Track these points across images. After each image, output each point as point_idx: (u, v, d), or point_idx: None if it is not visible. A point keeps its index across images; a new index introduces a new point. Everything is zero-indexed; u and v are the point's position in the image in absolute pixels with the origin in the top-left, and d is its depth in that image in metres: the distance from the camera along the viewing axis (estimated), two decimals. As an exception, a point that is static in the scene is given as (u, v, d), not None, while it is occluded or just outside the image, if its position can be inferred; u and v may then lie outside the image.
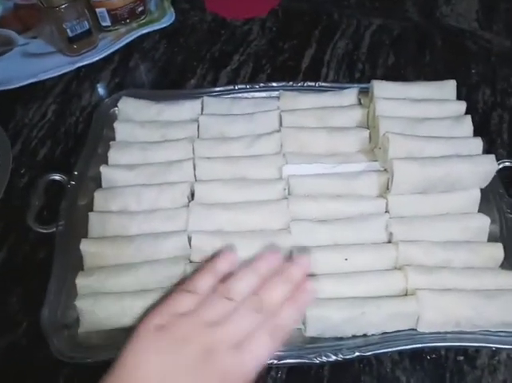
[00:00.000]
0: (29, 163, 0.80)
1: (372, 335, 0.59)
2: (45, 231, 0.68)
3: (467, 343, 0.58)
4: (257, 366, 0.43)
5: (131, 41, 0.97)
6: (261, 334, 0.44)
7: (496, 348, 0.58)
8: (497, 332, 0.58)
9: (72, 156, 0.79)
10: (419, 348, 0.58)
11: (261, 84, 0.85)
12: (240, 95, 0.85)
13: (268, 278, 0.48)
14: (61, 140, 0.83)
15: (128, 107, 0.81)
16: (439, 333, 0.58)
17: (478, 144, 0.69)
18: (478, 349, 0.60)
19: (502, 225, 0.68)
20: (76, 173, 0.73)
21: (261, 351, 0.44)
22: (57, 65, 0.92)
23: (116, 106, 0.81)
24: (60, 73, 0.91)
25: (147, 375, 0.42)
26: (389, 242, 0.66)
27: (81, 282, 0.61)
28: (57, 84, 0.91)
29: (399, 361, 0.59)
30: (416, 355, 0.60)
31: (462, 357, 0.60)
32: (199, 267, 0.51)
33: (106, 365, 0.58)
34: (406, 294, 0.61)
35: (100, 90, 0.91)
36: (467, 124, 0.72)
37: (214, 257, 0.52)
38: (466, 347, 0.59)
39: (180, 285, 0.49)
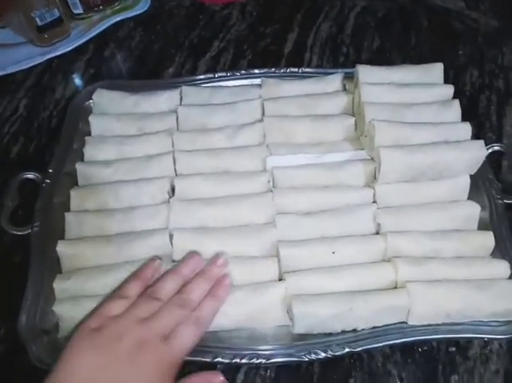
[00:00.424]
0: (1, 161, 0.76)
1: (362, 330, 0.57)
2: (19, 233, 0.65)
3: (459, 335, 0.57)
4: (185, 352, 0.51)
5: (106, 29, 0.93)
6: (186, 326, 0.51)
7: (488, 338, 0.57)
8: (488, 322, 0.57)
9: (46, 153, 0.76)
10: (410, 341, 0.56)
11: (243, 72, 0.82)
12: (221, 83, 0.81)
13: (191, 279, 0.56)
14: (35, 136, 0.79)
15: (103, 99, 0.77)
16: (430, 325, 0.57)
17: (466, 129, 0.67)
18: (469, 340, 0.58)
19: (492, 211, 0.66)
20: (50, 171, 0.70)
21: (186, 340, 0.51)
22: (28, 57, 0.88)
23: (91, 99, 0.78)
24: (31, 65, 0.87)
25: (85, 370, 0.47)
26: (377, 233, 0.64)
27: (59, 285, 0.59)
28: (28, 76, 0.87)
29: (390, 354, 0.58)
30: (407, 348, 0.58)
31: (453, 348, 0.58)
32: (129, 276, 0.57)
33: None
34: (396, 287, 0.59)
35: (75, 82, 0.87)
36: (455, 109, 0.70)
37: (142, 265, 0.59)
38: (458, 339, 0.58)
39: (113, 292, 0.56)
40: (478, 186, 0.68)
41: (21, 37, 0.92)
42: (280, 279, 0.60)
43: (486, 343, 0.59)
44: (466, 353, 0.58)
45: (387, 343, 0.56)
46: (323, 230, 0.63)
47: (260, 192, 0.66)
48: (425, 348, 0.59)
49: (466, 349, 0.58)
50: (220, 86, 0.81)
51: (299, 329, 0.57)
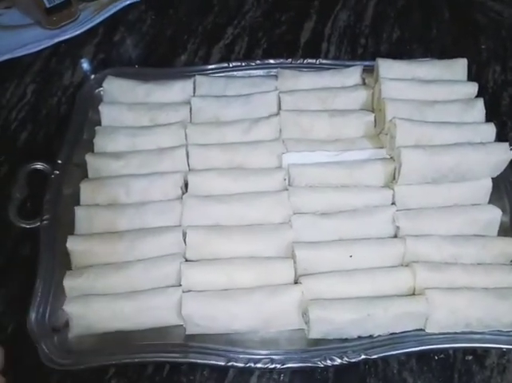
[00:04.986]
0: (8, 149, 0.74)
1: (379, 336, 0.56)
2: (28, 227, 0.63)
3: (477, 344, 0.56)
4: None
5: (116, 12, 0.89)
6: None
7: (507, 348, 0.56)
8: (507, 332, 0.56)
9: (55, 142, 0.73)
10: (427, 349, 0.55)
11: (258, 62, 0.79)
12: (235, 73, 0.79)
13: None
14: (43, 124, 0.77)
15: (114, 87, 0.74)
16: (448, 333, 0.56)
17: (490, 130, 0.65)
18: (487, 349, 0.57)
19: (513, 215, 0.64)
20: (60, 162, 0.68)
21: None
22: (35, 40, 0.85)
23: (101, 86, 0.75)
24: (38, 49, 0.84)
25: None
26: (395, 235, 0.62)
27: (70, 283, 0.57)
28: (35, 61, 0.84)
29: (405, 361, 0.57)
30: (423, 355, 0.57)
31: (470, 357, 0.57)
32: None
33: (99, 372, 0.56)
34: (414, 293, 0.58)
35: (83, 67, 0.84)
36: (479, 108, 0.68)
37: None
38: (476, 348, 0.57)
39: None
40: (499, 188, 0.66)
41: (28, 18, 0.89)
42: (296, 282, 0.58)
43: (504, 353, 0.58)
44: (484, 362, 0.57)
45: (404, 351, 0.55)
46: (340, 232, 0.61)
47: (276, 190, 0.64)
48: (441, 356, 0.58)
49: (484, 357, 0.58)
50: (234, 76, 0.78)
51: (315, 334, 0.55)
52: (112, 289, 0.57)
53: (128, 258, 0.59)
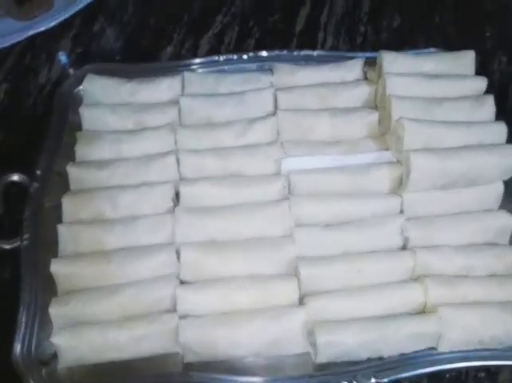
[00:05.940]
0: (-19, 159, 0.68)
1: (389, 357, 0.53)
2: (8, 247, 0.58)
3: (490, 362, 0.53)
4: None
5: (94, -1, 0.82)
6: None
7: (521, 365, 0.53)
8: (521, 348, 0.53)
9: (32, 148, 0.67)
10: (438, 370, 0.53)
11: (250, 54, 0.73)
12: (226, 67, 0.73)
13: None
14: (18, 128, 0.71)
15: (95, 87, 0.68)
16: (460, 351, 0.53)
17: (502, 130, 0.61)
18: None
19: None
20: (39, 172, 0.62)
21: None
22: (6, 33, 0.77)
23: (81, 85, 0.69)
24: (9, 43, 0.76)
25: None
26: (404, 246, 0.59)
27: (56, 312, 0.53)
28: (7, 56, 0.77)
29: (417, 381, 0.54)
30: (435, 374, 0.54)
31: (483, 374, 0.55)
32: None
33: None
34: (425, 309, 0.55)
35: (61, 63, 0.78)
36: (489, 105, 0.64)
37: None
38: (489, 366, 0.54)
39: None
40: (510, 193, 0.62)
41: (-4, 8, 0.81)
42: (300, 300, 0.54)
43: (517, 369, 0.55)
44: (496, 379, 0.55)
45: (415, 373, 0.52)
46: (346, 246, 0.57)
47: (275, 200, 0.60)
48: (453, 373, 0.55)
49: (496, 374, 0.55)
50: (226, 70, 0.72)
51: (323, 358, 0.52)
52: (102, 316, 0.53)
53: (118, 281, 0.55)
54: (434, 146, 0.60)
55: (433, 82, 0.65)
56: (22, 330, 0.52)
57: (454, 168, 0.58)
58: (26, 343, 0.52)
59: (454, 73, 0.67)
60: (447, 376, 0.55)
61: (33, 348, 0.52)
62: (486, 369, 0.55)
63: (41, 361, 0.52)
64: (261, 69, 0.72)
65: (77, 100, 0.69)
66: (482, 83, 0.66)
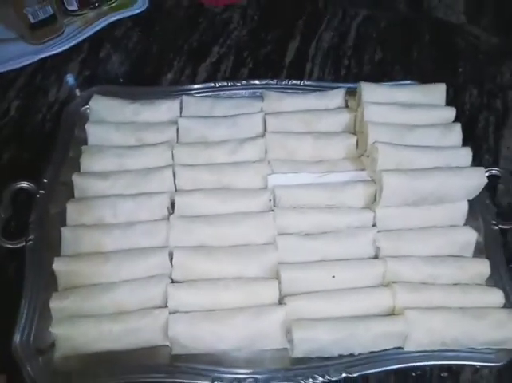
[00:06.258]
0: (-8, 168, 0.74)
1: (359, 354, 0.58)
2: (13, 247, 0.63)
3: (452, 361, 0.58)
4: None
5: (102, 28, 0.90)
6: None
7: (480, 366, 0.58)
8: (481, 349, 0.58)
9: (40, 160, 0.73)
10: (405, 367, 0.57)
11: (244, 82, 0.81)
12: (221, 93, 0.80)
13: None
14: (28, 142, 0.77)
15: (101, 106, 0.75)
16: (425, 351, 0.58)
17: (467, 155, 0.68)
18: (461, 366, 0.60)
19: (487, 236, 0.67)
20: (45, 181, 0.68)
21: None
22: (19, 55, 0.84)
23: (87, 104, 0.75)
24: (22, 65, 0.83)
25: None
26: (376, 256, 0.64)
27: (56, 305, 0.58)
28: (19, 76, 0.83)
29: (385, 378, 0.59)
30: (402, 372, 0.59)
31: (446, 374, 0.60)
32: None
33: (85, 393, 0.56)
34: (393, 312, 0.60)
35: (69, 84, 0.84)
36: (457, 133, 0.70)
37: None
38: (451, 365, 0.59)
39: None
40: (475, 210, 0.68)
41: (11, 32, 0.88)
42: (280, 301, 0.60)
43: (477, 369, 0.60)
44: (458, 378, 0.60)
45: (383, 369, 0.57)
46: (323, 253, 0.63)
47: (261, 211, 0.66)
48: (418, 372, 0.60)
49: (458, 374, 0.60)
50: (221, 96, 0.79)
51: (298, 353, 0.57)
52: (98, 310, 0.58)
53: (114, 279, 0.60)
54: (405, 167, 0.66)
55: (407, 111, 0.72)
56: (23, 321, 0.57)
57: (423, 187, 0.64)
58: (26, 333, 0.56)
59: (426, 103, 0.74)
60: (413, 374, 0.59)
61: (31, 338, 0.56)
62: (449, 368, 0.60)
63: (39, 350, 0.56)
64: (252, 96, 0.79)
65: (83, 118, 0.75)
66: (451, 112, 0.73)
